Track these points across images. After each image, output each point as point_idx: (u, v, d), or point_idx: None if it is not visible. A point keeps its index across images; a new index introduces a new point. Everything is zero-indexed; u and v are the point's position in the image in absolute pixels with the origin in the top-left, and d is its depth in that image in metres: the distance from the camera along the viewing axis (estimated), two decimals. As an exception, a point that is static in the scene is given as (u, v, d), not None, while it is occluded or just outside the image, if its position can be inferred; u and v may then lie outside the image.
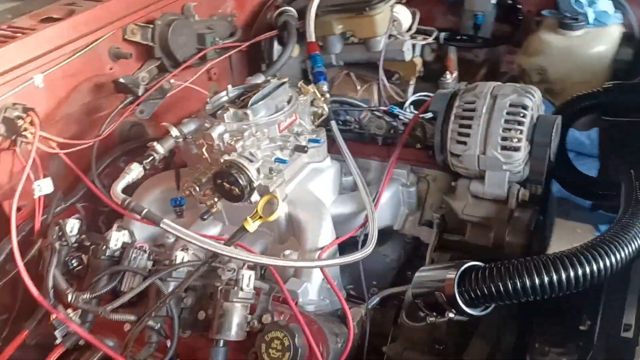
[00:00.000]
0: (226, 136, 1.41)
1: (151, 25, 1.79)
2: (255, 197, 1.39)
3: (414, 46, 2.14)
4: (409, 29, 2.19)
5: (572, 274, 1.02)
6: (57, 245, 1.45)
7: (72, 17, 1.65)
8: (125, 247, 1.46)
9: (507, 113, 1.46)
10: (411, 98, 1.97)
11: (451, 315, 1.12)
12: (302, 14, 2.04)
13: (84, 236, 1.54)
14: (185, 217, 1.57)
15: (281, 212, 1.31)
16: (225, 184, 1.35)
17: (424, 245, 1.64)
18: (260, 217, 1.26)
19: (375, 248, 1.59)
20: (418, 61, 2.24)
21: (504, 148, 1.45)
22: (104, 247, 1.45)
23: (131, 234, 1.52)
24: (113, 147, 1.76)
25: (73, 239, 1.52)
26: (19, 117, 1.49)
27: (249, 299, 1.27)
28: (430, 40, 2.22)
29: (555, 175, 1.62)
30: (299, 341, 1.19)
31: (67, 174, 1.65)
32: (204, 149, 1.43)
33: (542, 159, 1.47)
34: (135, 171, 1.39)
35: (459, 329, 1.26)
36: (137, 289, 1.31)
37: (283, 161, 1.48)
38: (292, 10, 2.05)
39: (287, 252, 1.43)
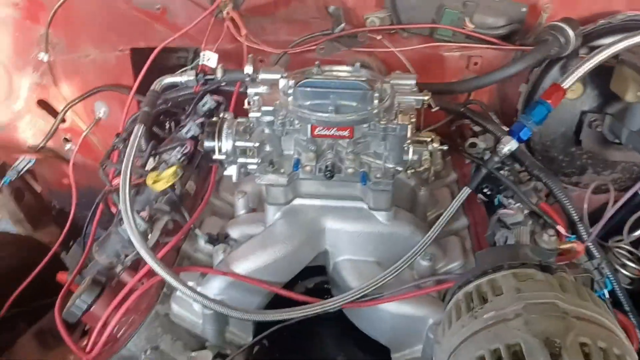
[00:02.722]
0: (256, 99, 1.21)
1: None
2: (231, 170, 1.21)
3: None
4: None
5: None
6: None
7: None
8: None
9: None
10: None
11: None
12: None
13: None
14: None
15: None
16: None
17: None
18: (155, 181, 1.12)
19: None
20: None
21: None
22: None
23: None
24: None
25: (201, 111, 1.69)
26: (224, -5, 1.63)
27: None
28: None
29: None
30: (87, 298, 1.12)
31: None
32: (247, 99, 1.28)
33: None
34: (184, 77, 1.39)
35: None
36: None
37: (295, 165, 1.19)
38: (567, 32, 1.34)
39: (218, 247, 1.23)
